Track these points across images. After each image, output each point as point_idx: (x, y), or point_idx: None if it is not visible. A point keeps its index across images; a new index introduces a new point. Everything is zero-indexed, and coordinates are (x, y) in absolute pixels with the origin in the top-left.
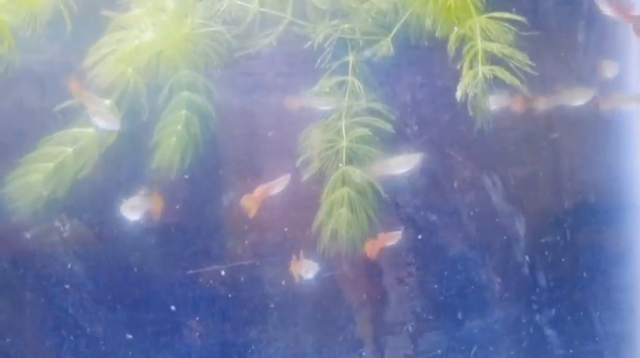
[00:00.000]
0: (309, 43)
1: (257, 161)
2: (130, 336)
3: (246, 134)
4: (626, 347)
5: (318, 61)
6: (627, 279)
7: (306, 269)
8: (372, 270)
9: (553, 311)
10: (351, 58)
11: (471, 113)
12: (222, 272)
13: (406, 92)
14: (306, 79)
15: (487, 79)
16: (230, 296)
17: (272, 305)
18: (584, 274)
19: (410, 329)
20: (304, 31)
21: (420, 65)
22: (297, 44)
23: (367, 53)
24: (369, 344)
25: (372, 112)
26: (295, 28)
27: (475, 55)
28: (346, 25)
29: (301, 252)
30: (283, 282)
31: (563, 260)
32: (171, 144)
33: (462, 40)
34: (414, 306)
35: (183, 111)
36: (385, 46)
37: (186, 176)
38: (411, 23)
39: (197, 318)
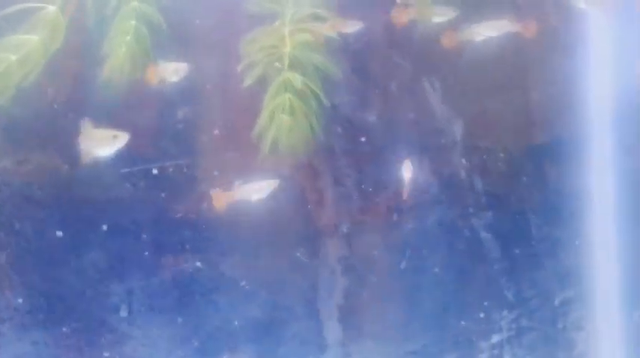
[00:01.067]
0: None
1: (203, 66)
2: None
3: (194, 38)
4: (562, 250)
5: None
6: (565, 184)
7: None
8: (308, 173)
9: (490, 215)
10: None
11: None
12: (170, 169)
13: None
14: None
15: None
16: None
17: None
18: (523, 179)
19: (345, 230)
20: None
21: None
22: None
23: None
24: (306, 245)
25: (317, 19)
26: None
27: None
28: None
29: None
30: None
31: (500, 164)
32: (120, 54)
33: None
34: (349, 209)
35: (132, 22)
36: None
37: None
38: None
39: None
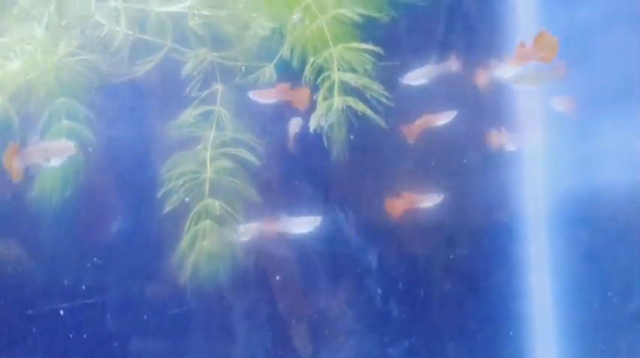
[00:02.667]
0: (184, 71)
1: (128, 189)
2: None
3: (122, 162)
4: None
5: (187, 89)
6: (482, 310)
7: None
8: (222, 304)
9: (406, 344)
10: (219, 87)
11: (325, 144)
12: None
13: (268, 122)
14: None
15: (343, 110)
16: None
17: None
18: (439, 305)
19: None
20: (185, 58)
21: None
22: (178, 71)
23: (249, 80)
24: None
25: (239, 143)
26: (175, 55)
27: (331, 85)
28: (215, 54)
29: None
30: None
31: (418, 291)
32: (52, 172)
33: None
34: (263, 340)
35: (62, 139)
36: (268, 73)
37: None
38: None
39: None
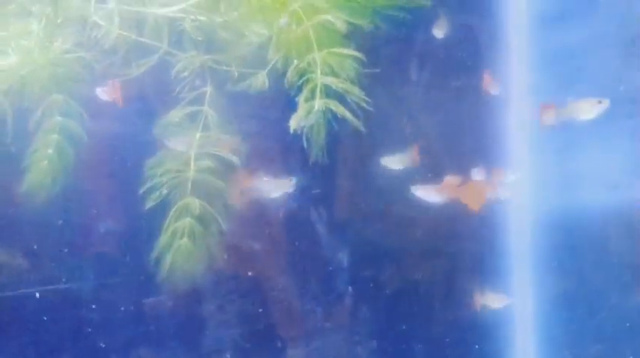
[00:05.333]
0: (173, 73)
1: (114, 187)
2: None
3: (110, 160)
4: None
5: (176, 90)
6: (450, 313)
7: None
8: (193, 297)
9: (375, 343)
10: (208, 89)
11: (305, 145)
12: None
13: (248, 125)
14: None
15: (324, 112)
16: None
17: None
18: (408, 307)
19: (228, 357)
20: (178, 61)
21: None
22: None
23: (242, 86)
24: None
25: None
26: (170, 58)
27: (314, 87)
28: (206, 57)
29: None
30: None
31: (387, 292)
32: (42, 167)
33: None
34: (233, 335)
35: (55, 136)
36: (261, 80)
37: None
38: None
39: None
